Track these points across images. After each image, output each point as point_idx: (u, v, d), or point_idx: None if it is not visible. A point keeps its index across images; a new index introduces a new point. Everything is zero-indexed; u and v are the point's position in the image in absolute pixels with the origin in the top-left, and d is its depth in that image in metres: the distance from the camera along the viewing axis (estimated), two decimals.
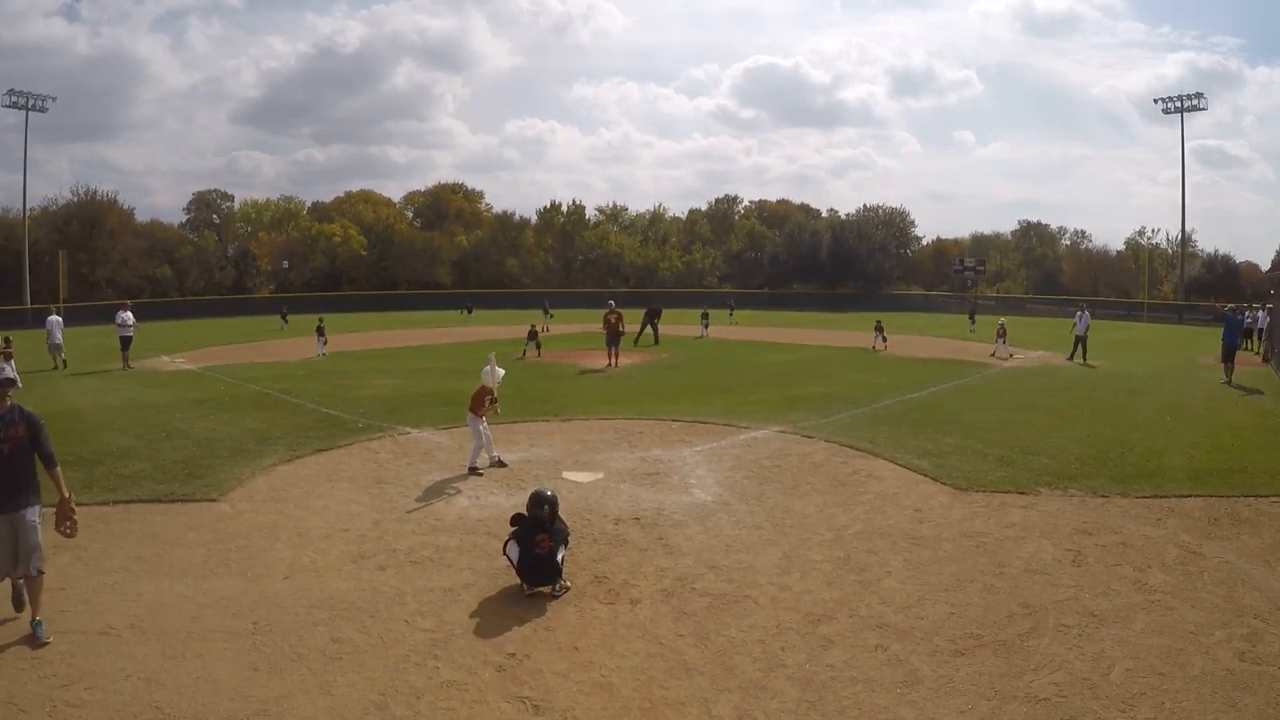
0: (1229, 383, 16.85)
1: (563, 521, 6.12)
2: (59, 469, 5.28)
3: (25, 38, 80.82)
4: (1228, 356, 17.57)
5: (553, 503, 5.97)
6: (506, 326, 31.70)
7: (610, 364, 19.47)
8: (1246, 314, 24.73)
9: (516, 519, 6.01)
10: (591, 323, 19.68)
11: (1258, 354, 24.03)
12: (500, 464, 9.38)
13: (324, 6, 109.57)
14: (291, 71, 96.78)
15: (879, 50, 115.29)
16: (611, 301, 21.45)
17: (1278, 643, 4.96)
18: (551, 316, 30.36)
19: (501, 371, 9.63)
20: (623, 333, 20.77)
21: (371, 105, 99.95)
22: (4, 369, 5.03)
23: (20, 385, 16.43)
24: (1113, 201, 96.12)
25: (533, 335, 23.33)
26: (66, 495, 5.24)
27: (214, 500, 8.10)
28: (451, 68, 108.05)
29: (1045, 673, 4.64)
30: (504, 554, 5.95)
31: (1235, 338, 18.12)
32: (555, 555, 5.76)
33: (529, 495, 6.12)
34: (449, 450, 10.22)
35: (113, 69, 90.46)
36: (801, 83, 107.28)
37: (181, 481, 8.68)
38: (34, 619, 5.09)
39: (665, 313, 27.15)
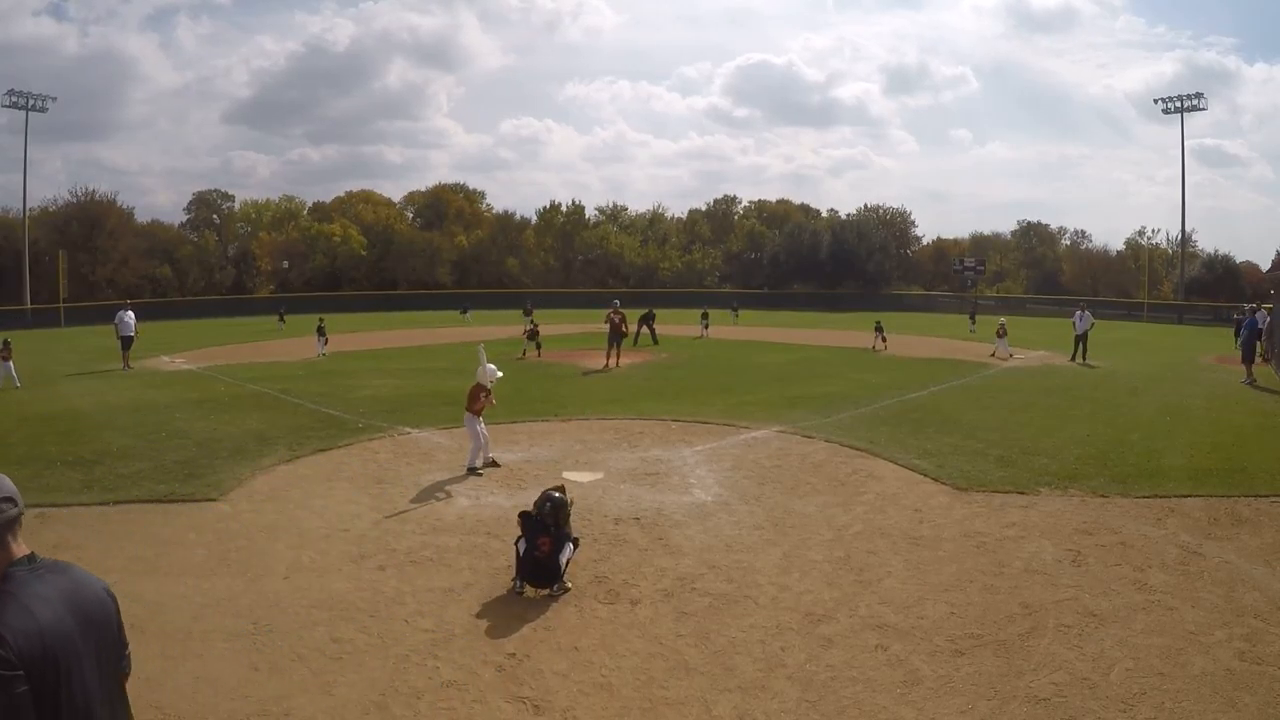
0: (1251, 382, 16.68)
1: (570, 526, 6.09)
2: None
3: (14, 37, 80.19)
4: (1247, 357, 17.49)
5: (556, 504, 5.93)
6: (505, 327, 31.67)
7: (609, 364, 19.48)
8: (1249, 315, 24.65)
9: (524, 516, 6.03)
10: (589, 323, 19.59)
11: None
12: (494, 464, 9.37)
13: (313, 5, 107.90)
14: (282, 70, 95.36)
15: (873, 47, 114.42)
16: (616, 301, 21.48)
17: (1278, 643, 4.96)
18: (533, 321, 27.46)
19: (498, 370, 9.59)
20: (626, 333, 20.84)
21: (364, 104, 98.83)
22: None
23: (20, 385, 16.68)
24: (1112, 201, 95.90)
25: (533, 335, 23.36)
26: None
27: (214, 500, 8.10)
28: (443, 66, 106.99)
29: (1045, 673, 4.64)
30: (514, 546, 5.99)
31: (1252, 338, 18.03)
32: (555, 559, 5.76)
33: (540, 494, 6.11)
34: (449, 450, 10.22)
35: (103, 68, 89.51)
36: (795, 80, 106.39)
37: (181, 481, 8.68)
38: None
39: (664, 313, 27.10)
